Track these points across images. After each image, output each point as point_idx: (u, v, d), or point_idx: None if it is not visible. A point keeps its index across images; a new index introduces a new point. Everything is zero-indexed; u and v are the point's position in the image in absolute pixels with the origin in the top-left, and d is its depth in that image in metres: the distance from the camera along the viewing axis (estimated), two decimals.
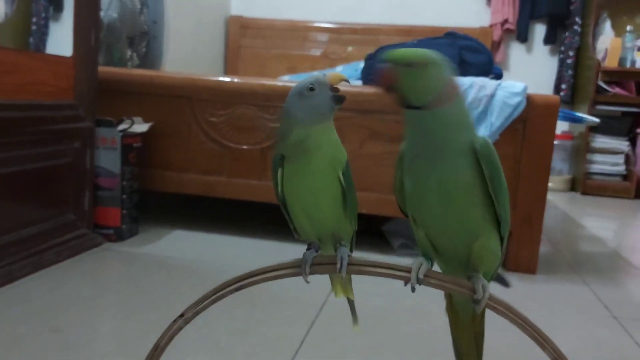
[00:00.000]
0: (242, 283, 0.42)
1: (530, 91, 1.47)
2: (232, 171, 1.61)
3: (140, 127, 1.60)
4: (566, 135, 3.33)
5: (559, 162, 3.31)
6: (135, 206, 1.58)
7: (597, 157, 3.19)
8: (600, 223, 2.53)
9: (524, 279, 1.47)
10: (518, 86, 1.44)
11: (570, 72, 3.35)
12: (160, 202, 2.07)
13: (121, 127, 1.53)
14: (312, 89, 0.47)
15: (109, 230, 1.51)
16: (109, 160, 1.50)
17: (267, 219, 1.85)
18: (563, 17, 3.33)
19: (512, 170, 1.47)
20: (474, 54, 1.63)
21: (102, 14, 1.86)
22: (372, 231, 1.78)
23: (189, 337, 0.98)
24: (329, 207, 0.49)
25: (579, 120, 2.21)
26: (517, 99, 1.42)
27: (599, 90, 3.12)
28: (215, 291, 0.42)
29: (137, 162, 1.57)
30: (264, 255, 1.48)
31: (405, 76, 0.45)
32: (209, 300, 0.42)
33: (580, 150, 3.22)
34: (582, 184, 3.17)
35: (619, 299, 1.36)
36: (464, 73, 1.55)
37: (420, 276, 0.44)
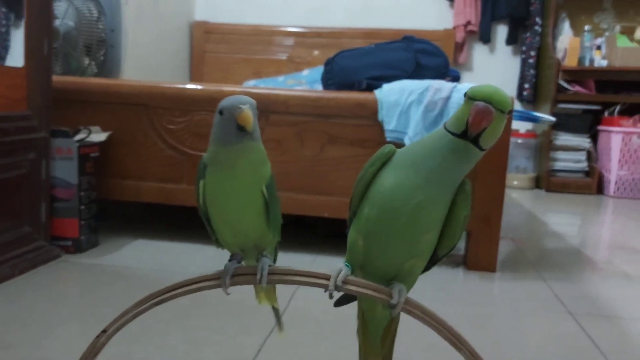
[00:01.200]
0: (164, 297, 0.42)
1: None
2: (192, 178, 1.59)
3: (98, 136, 1.58)
4: (530, 134, 3.39)
5: (523, 161, 3.36)
6: (94, 217, 1.56)
7: (560, 154, 3.26)
8: (563, 219, 2.58)
9: (484, 277, 1.49)
10: None
11: (532, 71, 3.41)
12: (123, 211, 2.05)
13: (78, 136, 1.51)
14: (221, 113, 0.47)
15: (67, 242, 1.49)
16: (65, 170, 1.48)
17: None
18: (523, 17, 3.39)
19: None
20: (430, 57, 1.65)
21: (58, 22, 1.84)
22: (335, 234, 1.79)
23: (144, 348, 0.97)
24: (251, 219, 0.49)
25: (535, 120, 2.25)
26: None
27: (560, 89, 3.19)
28: (137, 306, 0.42)
29: (95, 172, 1.55)
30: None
31: (496, 120, 0.44)
32: (130, 315, 0.42)
33: (544, 148, 3.28)
34: (546, 181, 3.23)
35: (576, 294, 1.39)
36: (421, 76, 1.57)
37: (339, 283, 0.44)
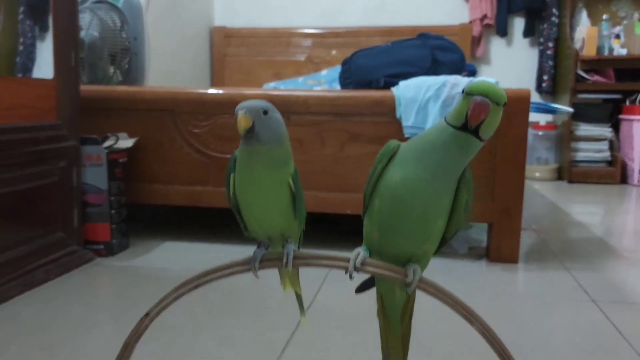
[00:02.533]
0: (200, 281, 0.46)
1: (513, 84, 1.52)
2: (218, 180, 1.65)
3: (126, 142, 1.63)
4: (550, 126, 3.38)
5: (544, 152, 3.35)
6: (125, 220, 1.61)
7: (582, 144, 3.24)
8: (586, 209, 2.57)
9: (507, 269, 1.51)
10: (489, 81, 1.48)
11: (550, 62, 3.40)
12: (151, 215, 2.11)
13: (106, 143, 1.57)
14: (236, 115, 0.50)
15: (99, 246, 1.55)
16: (95, 176, 1.53)
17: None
18: (540, 9, 3.38)
19: (487, 163, 1.51)
20: (446, 53, 1.67)
21: (83, 33, 1.90)
22: (357, 231, 1.81)
23: (178, 346, 1.01)
24: (278, 212, 0.52)
25: (553, 111, 2.25)
26: None
27: (579, 79, 3.17)
28: (176, 290, 0.46)
29: (123, 177, 1.60)
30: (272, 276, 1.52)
31: (492, 112, 0.47)
32: (171, 298, 0.46)
33: (565, 139, 3.26)
34: (568, 172, 3.22)
35: (599, 283, 1.40)
36: (437, 72, 1.60)
37: (358, 265, 0.48)
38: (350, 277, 0.49)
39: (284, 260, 0.50)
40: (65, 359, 0.96)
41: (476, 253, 1.65)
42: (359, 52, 1.79)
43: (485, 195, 1.53)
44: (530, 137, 3.35)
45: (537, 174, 3.34)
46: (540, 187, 3.05)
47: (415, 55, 1.65)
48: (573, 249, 1.75)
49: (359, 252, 0.50)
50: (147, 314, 0.46)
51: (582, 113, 3.17)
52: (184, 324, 1.10)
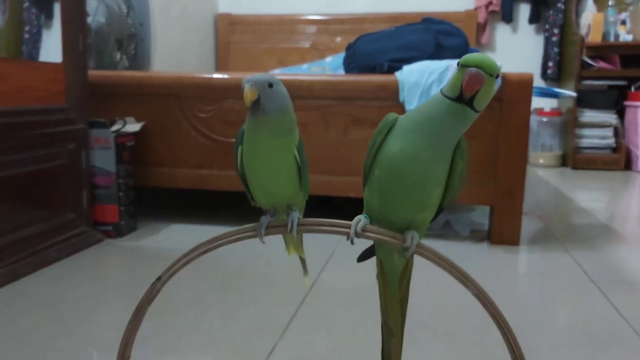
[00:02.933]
0: (209, 246, 0.48)
1: (518, 70, 1.52)
2: (223, 164, 1.67)
3: (133, 126, 1.66)
4: (554, 112, 3.39)
5: (548, 138, 3.36)
6: (132, 202, 1.64)
7: (586, 131, 3.25)
8: (590, 196, 2.58)
9: (508, 251, 1.53)
10: None
11: (555, 49, 3.40)
12: (158, 197, 2.14)
13: (114, 127, 1.59)
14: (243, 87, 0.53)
15: (108, 227, 1.58)
16: (104, 159, 1.56)
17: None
18: None
19: (490, 147, 1.53)
20: (450, 38, 1.68)
21: (90, 19, 1.92)
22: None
23: (184, 320, 1.04)
24: (284, 182, 0.55)
25: (556, 95, 2.26)
26: None
27: (584, 65, 3.17)
28: (186, 255, 0.48)
29: (131, 160, 1.63)
30: (258, 242, 1.55)
31: (487, 84, 0.49)
32: (181, 262, 0.48)
33: (569, 125, 3.27)
34: (573, 158, 3.23)
35: (599, 264, 1.42)
36: (441, 57, 1.61)
37: (359, 231, 0.51)
38: (352, 242, 0.51)
39: (289, 226, 0.52)
40: (76, 332, 0.99)
41: (478, 236, 1.67)
42: (363, 37, 1.80)
43: (488, 178, 1.55)
44: (534, 124, 3.36)
45: (541, 161, 3.35)
46: (544, 174, 3.06)
47: (418, 39, 1.66)
48: (575, 233, 1.77)
49: (360, 219, 0.52)
50: (159, 278, 0.48)
51: (587, 99, 3.18)
52: (190, 301, 1.13)
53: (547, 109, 3.39)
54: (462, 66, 0.49)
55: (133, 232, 1.64)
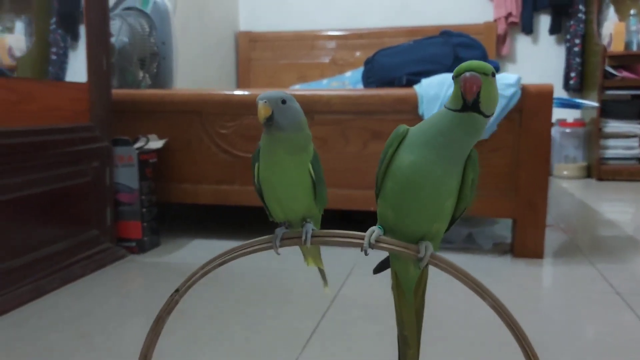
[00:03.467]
0: (225, 258, 0.49)
1: (539, 82, 1.52)
2: (244, 179, 1.69)
3: (156, 143, 1.69)
4: (578, 123, 3.35)
5: (572, 150, 3.32)
6: (155, 218, 1.66)
7: (611, 142, 3.20)
8: (616, 207, 2.54)
9: (531, 263, 1.51)
10: (512, 77, 1.49)
11: (577, 59, 3.36)
12: (181, 213, 2.16)
13: (137, 144, 1.62)
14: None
15: (131, 243, 1.60)
16: (127, 176, 1.59)
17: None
18: (566, 6, 3.35)
19: (511, 159, 1.52)
20: (468, 50, 1.68)
21: (113, 39, 1.97)
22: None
23: (207, 334, 1.05)
24: (300, 197, 0.56)
25: (577, 106, 2.24)
26: (511, 90, 1.47)
27: (607, 75, 3.13)
28: (203, 267, 0.49)
29: (154, 177, 1.65)
30: (277, 257, 1.55)
31: (485, 83, 0.50)
32: (198, 274, 0.49)
33: (593, 136, 3.22)
34: (597, 169, 3.18)
35: (625, 277, 1.39)
36: None
37: (373, 241, 0.51)
38: (366, 253, 0.51)
39: (303, 238, 0.53)
40: (101, 346, 1.00)
41: (501, 249, 1.65)
42: (382, 51, 1.81)
43: (510, 190, 1.54)
44: (557, 135, 3.32)
45: (565, 172, 3.30)
46: (568, 186, 3.02)
47: (437, 52, 1.66)
48: (600, 246, 1.74)
49: (374, 230, 0.53)
50: (176, 290, 0.49)
51: (611, 110, 3.14)
52: (212, 314, 1.14)
53: (570, 119, 3.36)
54: (455, 77, 0.50)
55: (156, 247, 1.66)
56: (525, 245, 1.55)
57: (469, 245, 1.68)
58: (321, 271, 0.65)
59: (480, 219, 1.85)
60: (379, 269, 0.62)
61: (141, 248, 1.61)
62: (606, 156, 3.21)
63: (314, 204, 0.57)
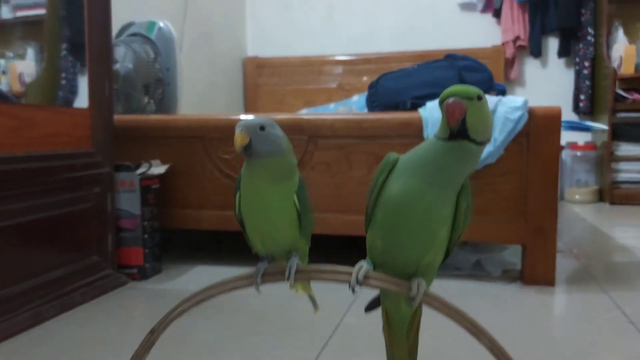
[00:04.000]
0: (203, 296, 0.46)
1: (549, 104, 1.49)
2: None
3: (158, 169, 1.67)
4: (589, 146, 3.30)
5: (583, 174, 3.27)
6: (157, 245, 1.64)
7: (623, 165, 3.15)
8: (630, 233, 2.48)
9: (542, 291, 1.46)
10: (518, 100, 1.46)
11: (587, 82, 3.34)
12: (184, 239, 2.14)
13: (140, 170, 1.61)
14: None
15: (133, 270, 1.58)
16: (129, 202, 1.57)
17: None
18: (574, 29, 3.34)
19: (519, 183, 1.48)
20: (473, 73, 1.67)
21: (118, 65, 1.97)
22: None
23: None
24: (284, 229, 0.53)
25: (586, 129, 2.20)
26: (518, 113, 1.44)
27: (618, 98, 3.10)
28: (179, 305, 0.46)
29: (156, 202, 1.63)
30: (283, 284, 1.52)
31: (471, 108, 0.47)
32: (175, 313, 0.46)
33: (605, 159, 3.18)
34: (610, 194, 3.12)
35: (638, 304, 1.34)
36: None
37: (360, 278, 0.48)
38: (353, 291, 0.48)
39: (287, 274, 0.50)
40: None
41: (510, 276, 1.60)
42: (386, 75, 1.80)
43: (518, 215, 1.50)
44: (568, 159, 3.28)
45: (577, 197, 3.25)
46: (580, 210, 2.97)
47: (442, 76, 1.65)
48: (614, 272, 1.69)
49: (362, 265, 0.49)
50: (152, 331, 0.46)
51: (622, 133, 3.10)
52: (212, 344, 1.11)
53: (580, 142, 3.31)
54: (441, 104, 0.47)
55: (158, 274, 1.64)
56: (536, 272, 1.50)
57: (477, 272, 1.64)
58: (311, 298, 0.62)
59: (489, 245, 1.81)
60: (371, 306, 0.58)
61: (143, 275, 1.58)
62: (619, 180, 3.15)
63: (299, 236, 0.54)
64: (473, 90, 0.47)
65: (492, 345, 0.42)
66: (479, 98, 0.47)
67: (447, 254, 0.53)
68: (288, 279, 0.50)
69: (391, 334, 0.56)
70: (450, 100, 0.46)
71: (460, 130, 0.46)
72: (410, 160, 0.50)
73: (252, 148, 0.50)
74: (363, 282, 0.48)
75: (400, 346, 0.56)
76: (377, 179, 0.52)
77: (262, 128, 0.51)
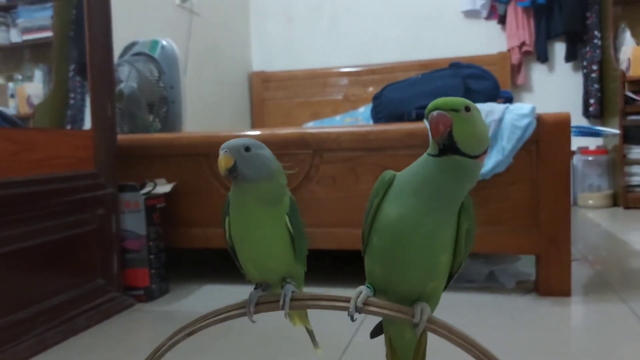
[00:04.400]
0: (194, 328, 0.44)
1: (558, 110, 1.46)
2: None
3: (163, 188, 1.66)
4: (600, 150, 3.25)
5: (596, 178, 3.22)
6: (164, 265, 1.62)
7: (636, 168, 3.09)
8: None
9: (558, 302, 1.42)
10: (526, 107, 1.43)
11: (596, 86, 3.29)
12: (191, 258, 2.11)
13: (145, 190, 1.59)
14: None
15: (139, 291, 1.55)
16: (134, 222, 1.55)
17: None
18: (580, 32, 3.31)
19: (530, 192, 1.45)
20: (479, 81, 1.64)
21: (122, 85, 1.97)
22: None
23: None
24: (277, 255, 0.50)
25: (597, 134, 2.16)
26: (526, 120, 1.41)
27: (628, 100, 3.05)
28: (170, 338, 0.44)
29: (161, 222, 1.61)
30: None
31: (457, 120, 0.45)
32: (166, 346, 0.43)
33: (617, 163, 3.12)
34: (624, 198, 3.07)
35: None
36: (471, 101, 1.55)
37: (359, 304, 0.45)
38: (352, 319, 0.45)
39: (281, 302, 0.47)
40: None
41: (525, 287, 1.56)
42: (390, 86, 1.78)
43: (530, 225, 1.47)
44: (579, 164, 3.23)
45: (590, 202, 3.20)
46: (594, 216, 2.91)
47: (446, 85, 1.62)
48: (631, 280, 1.64)
49: (362, 291, 0.46)
50: None
51: (634, 135, 3.04)
52: None
53: (592, 147, 3.26)
54: (426, 119, 0.45)
55: (165, 295, 1.61)
56: (550, 282, 1.46)
57: (491, 284, 1.60)
58: (309, 332, 0.58)
59: (502, 256, 1.77)
60: (376, 332, 0.55)
61: (149, 296, 1.56)
62: (632, 183, 3.10)
63: (294, 261, 0.51)
64: (459, 101, 0.44)
65: None
66: (467, 109, 0.44)
67: (450, 277, 0.50)
68: (283, 307, 0.47)
69: None
70: (435, 113, 0.44)
71: (448, 145, 0.43)
72: (406, 180, 0.47)
73: (238, 170, 0.48)
74: (362, 309, 0.45)
75: None
76: (372, 201, 0.49)
77: (247, 149, 0.48)
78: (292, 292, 0.47)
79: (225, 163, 0.47)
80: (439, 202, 0.45)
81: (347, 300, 0.45)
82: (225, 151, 0.47)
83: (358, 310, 0.45)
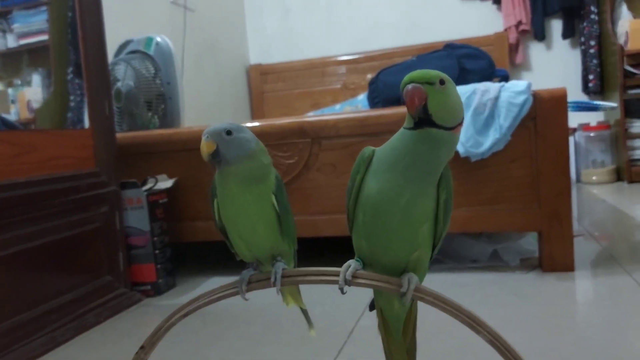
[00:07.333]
0: (190, 308, 0.45)
1: (557, 86, 1.46)
2: None
3: (165, 183, 1.67)
4: (602, 126, 3.24)
5: (599, 154, 3.21)
6: (169, 259, 1.63)
7: (639, 142, 3.08)
8: None
9: (562, 277, 1.43)
10: (521, 84, 1.43)
11: (595, 61, 3.28)
12: (196, 251, 2.13)
13: (146, 186, 1.60)
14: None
15: (147, 286, 1.57)
16: (137, 219, 1.57)
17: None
18: (577, 8, 3.28)
19: (529, 168, 1.45)
20: (474, 61, 1.64)
21: (120, 84, 1.97)
22: None
23: None
24: (263, 232, 0.51)
25: (595, 108, 2.16)
26: (522, 97, 1.41)
27: (627, 74, 3.03)
28: (167, 320, 0.45)
29: (165, 217, 1.63)
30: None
31: (432, 94, 0.46)
32: (163, 329, 0.44)
33: (620, 137, 3.11)
34: (628, 172, 3.06)
35: None
36: (466, 81, 1.56)
37: (349, 277, 0.46)
38: (342, 291, 0.46)
39: (272, 279, 0.48)
40: None
41: (529, 264, 1.57)
42: (385, 70, 1.78)
43: (531, 202, 1.47)
44: (582, 140, 3.22)
45: (594, 178, 3.19)
46: (599, 191, 2.91)
47: (441, 66, 1.62)
48: (637, 253, 1.64)
49: (350, 264, 0.47)
50: (142, 347, 0.45)
51: (635, 109, 3.03)
52: (225, 356, 1.09)
53: (593, 123, 3.25)
54: (401, 92, 0.45)
55: (172, 289, 1.63)
56: (554, 258, 1.47)
57: (495, 263, 1.60)
58: (304, 311, 0.60)
59: (505, 234, 1.77)
60: (373, 305, 0.56)
61: (157, 291, 1.57)
62: (635, 157, 3.09)
63: (281, 238, 0.52)
64: (434, 74, 0.45)
65: (493, 339, 0.40)
66: (442, 82, 0.45)
67: (434, 247, 0.51)
68: (274, 284, 0.48)
69: (387, 333, 0.54)
70: (410, 87, 0.44)
71: (424, 118, 0.44)
72: (385, 154, 0.48)
73: (220, 155, 0.48)
74: (352, 282, 0.46)
75: (398, 346, 0.54)
76: (353, 178, 0.50)
77: (228, 133, 0.49)
78: (283, 269, 0.49)
79: (207, 148, 0.48)
80: (416, 174, 0.46)
81: (337, 274, 0.46)
82: (207, 136, 0.48)
83: (347, 282, 0.46)
